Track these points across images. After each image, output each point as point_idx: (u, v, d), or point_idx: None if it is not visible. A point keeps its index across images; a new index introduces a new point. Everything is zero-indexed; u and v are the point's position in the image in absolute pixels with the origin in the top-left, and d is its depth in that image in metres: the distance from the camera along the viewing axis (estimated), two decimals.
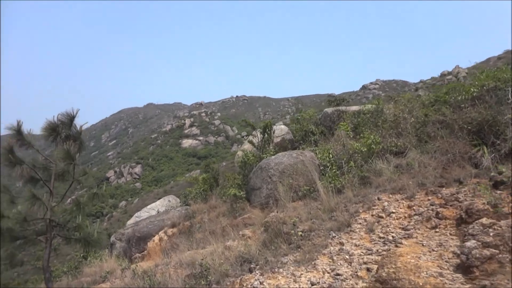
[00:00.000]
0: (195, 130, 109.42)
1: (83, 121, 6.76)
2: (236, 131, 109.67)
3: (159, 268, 6.61)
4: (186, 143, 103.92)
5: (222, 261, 5.50)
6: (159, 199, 69.41)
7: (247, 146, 11.30)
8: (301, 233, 5.75)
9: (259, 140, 9.82)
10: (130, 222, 14.47)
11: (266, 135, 9.83)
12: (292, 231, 5.85)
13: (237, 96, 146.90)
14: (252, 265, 5.38)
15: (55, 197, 6.52)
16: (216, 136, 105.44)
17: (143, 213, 14.71)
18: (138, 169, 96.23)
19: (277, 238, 6.12)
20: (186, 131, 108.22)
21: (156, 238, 9.58)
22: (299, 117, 10.77)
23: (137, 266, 6.89)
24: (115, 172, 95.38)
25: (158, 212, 12.98)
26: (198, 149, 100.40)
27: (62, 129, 6.64)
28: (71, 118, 6.65)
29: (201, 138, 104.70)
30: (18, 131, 6.20)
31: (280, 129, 11.20)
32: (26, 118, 6.68)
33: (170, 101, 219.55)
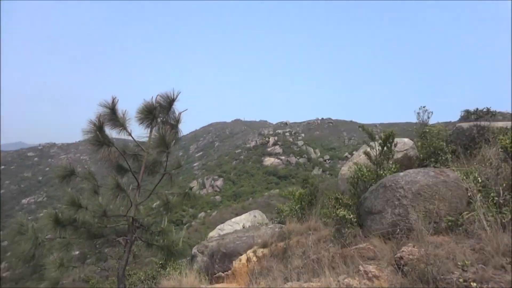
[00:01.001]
0: (278, 149, 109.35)
1: (182, 108, 5.72)
2: (319, 154, 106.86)
3: None
4: (268, 161, 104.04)
5: None
6: (237, 214, 69.26)
7: (358, 159, 9.52)
8: (474, 284, 3.81)
9: (377, 153, 8.01)
10: (212, 234, 13.44)
11: (386, 148, 7.97)
12: (454, 278, 3.94)
13: (322, 118, 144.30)
14: None
15: (141, 193, 5.50)
16: (298, 157, 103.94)
17: (226, 226, 13.62)
18: (219, 182, 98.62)
19: (421, 284, 4.27)
20: (269, 149, 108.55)
21: (244, 257, 8.19)
22: (426, 131, 8.72)
23: None
24: (198, 182, 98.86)
25: (244, 227, 11.69)
26: (279, 168, 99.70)
27: (160, 113, 5.66)
28: (170, 101, 5.65)
29: (283, 157, 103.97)
30: (112, 109, 5.32)
31: (403, 143, 9.22)
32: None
33: (257, 118, 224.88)
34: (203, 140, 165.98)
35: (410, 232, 5.82)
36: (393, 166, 7.74)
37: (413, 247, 5.20)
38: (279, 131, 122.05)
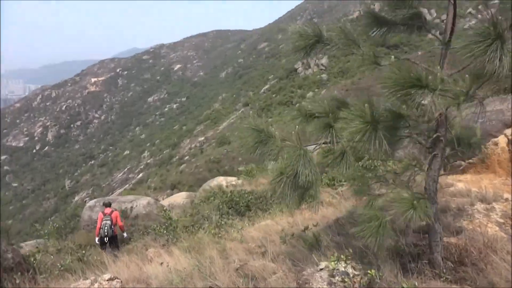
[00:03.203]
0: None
1: None
2: (435, 15, 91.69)
3: None
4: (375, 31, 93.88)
5: None
6: (347, 90, 66.57)
7: None
8: None
9: None
10: None
11: None
12: None
13: None
14: None
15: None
16: (409, 22, 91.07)
17: None
18: (324, 61, 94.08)
19: None
20: None
21: (502, 139, 5.87)
22: None
23: None
24: (303, 63, 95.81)
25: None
26: (388, 37, 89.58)
27: None
28: None
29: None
30: None
31: None
32: None
33: None
34: (300, 18, 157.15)
35: None
36: None
37: None
38: None
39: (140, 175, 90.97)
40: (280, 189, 3.01)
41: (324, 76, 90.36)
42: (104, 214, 8.38)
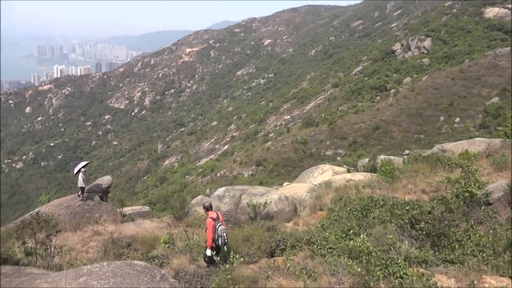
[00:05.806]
0: None
1: None
2: None
3: None
4: (491, 12, 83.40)
5: None
6: (453, 79, 60.60)
7: None
8: None
9: None
10: None
11: None
12: None
13: None
14: None
15: None
16: None
17: None
18: (427, 43, 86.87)
19: None
20: None
21: None
22: None
23: None
24: (402, 45, 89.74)
25: None
26: (505, 21, 79.15)
27: None
28: None
29: (511, 5, 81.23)
30: None
31: None
32: None
33: None
34: None
35: None
36: None
37: None
38: None
39: (226, 147, 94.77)
40: None
41: (425, 60, 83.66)
42: (215, 220, 7.35)
